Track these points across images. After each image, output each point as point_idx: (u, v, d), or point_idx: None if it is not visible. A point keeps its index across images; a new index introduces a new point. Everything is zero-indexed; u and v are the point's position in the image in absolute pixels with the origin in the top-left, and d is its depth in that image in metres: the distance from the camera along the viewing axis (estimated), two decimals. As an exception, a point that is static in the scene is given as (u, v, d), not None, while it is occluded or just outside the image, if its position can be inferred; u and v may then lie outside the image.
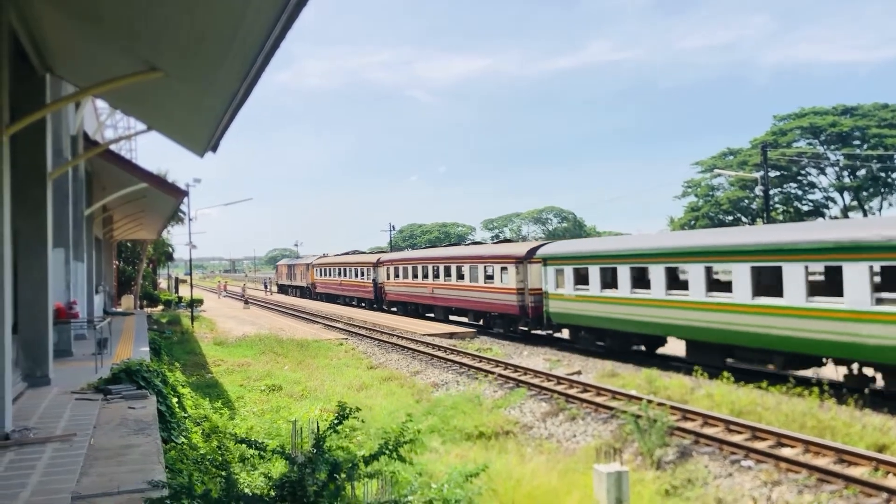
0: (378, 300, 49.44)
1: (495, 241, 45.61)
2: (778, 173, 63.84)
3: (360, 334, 34.83)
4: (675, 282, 22.49)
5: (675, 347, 24.14)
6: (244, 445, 6.21)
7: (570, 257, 26.97)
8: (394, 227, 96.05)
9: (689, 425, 14.87)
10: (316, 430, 8.53)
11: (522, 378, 20.89)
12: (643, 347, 25.30)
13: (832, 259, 17.00)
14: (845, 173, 64.45)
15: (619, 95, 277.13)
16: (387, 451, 5.58)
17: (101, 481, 6.52)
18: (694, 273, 20.85)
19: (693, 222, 68.69)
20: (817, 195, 66.69)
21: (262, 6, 5.55)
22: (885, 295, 16.00)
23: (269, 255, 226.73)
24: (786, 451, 13.05)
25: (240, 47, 6.74)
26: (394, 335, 32.96)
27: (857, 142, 62.93)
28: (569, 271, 26.70)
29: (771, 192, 58.00)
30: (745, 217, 66.80)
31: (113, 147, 21.91)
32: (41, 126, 11.69)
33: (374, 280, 49.82)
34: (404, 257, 45.07)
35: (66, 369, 13.30)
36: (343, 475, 5.16)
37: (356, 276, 53.83)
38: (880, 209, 63.22)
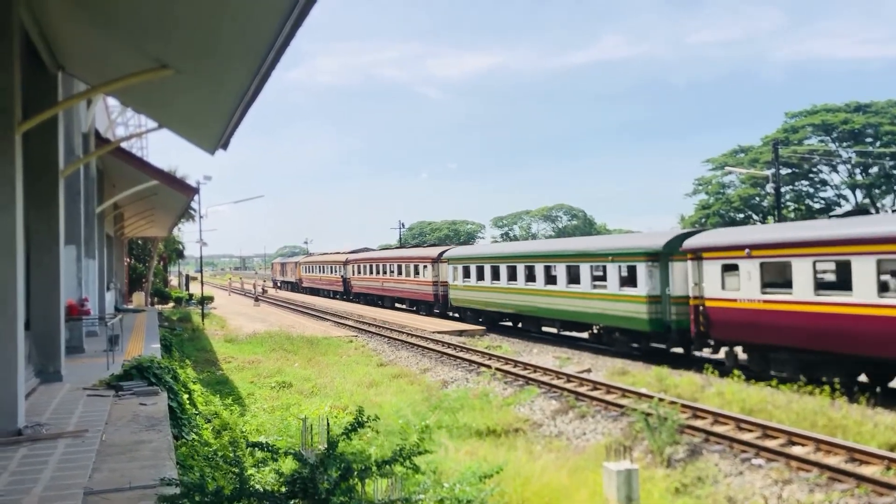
0: (346, 292, 58.29)
1: (426, 245, 56.63)
2: (789, 171, 63.54)
3: (370, 331, 34.90)
4: (512, 276, 31.41)
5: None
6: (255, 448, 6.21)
7: (462, 258, 36.83)
8: (403, 225, 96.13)
9: (699, 423, 14.83)
10: (326, 428, 8.54)
11: (532, 376, 20.89)
12: (510, 322, 33.62)
13: (590, 262, 26.15)
14: (857, 171, 64.09)
15: (630, 91, 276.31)
16: (400, 459, 5.57)
17: (113, 477, 6.55)
18: (520, 270, 30.67)
19: (704, 220, 68.43)
20: (829, 193, 66.40)
21: (273, 3, 5.56)
22: (597, 283, 25.59)
23: (279, 252, 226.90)
24: (797, 450, 12.99)
25: (250, 44, 6.75)
26: (403, 332, 33.02)
27: (869, 139, 62.59)
28: (460, 269, 36.17)
29: (782, 190, 57.76)
30: (757, 215, 66.52)
31: (124, 144, 22.03)
32: (53, 124, 11.74)
33: (342, 276, 59.16)
34: (365, 257, 54.24)
35: (77, 366, 13.37)
36: (355, 477, 5.17)
37: (330, 272, 63.71)
38: (893, 207, 62.81)
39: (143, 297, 40.21)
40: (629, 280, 23.99)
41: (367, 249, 61.34)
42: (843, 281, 17.36)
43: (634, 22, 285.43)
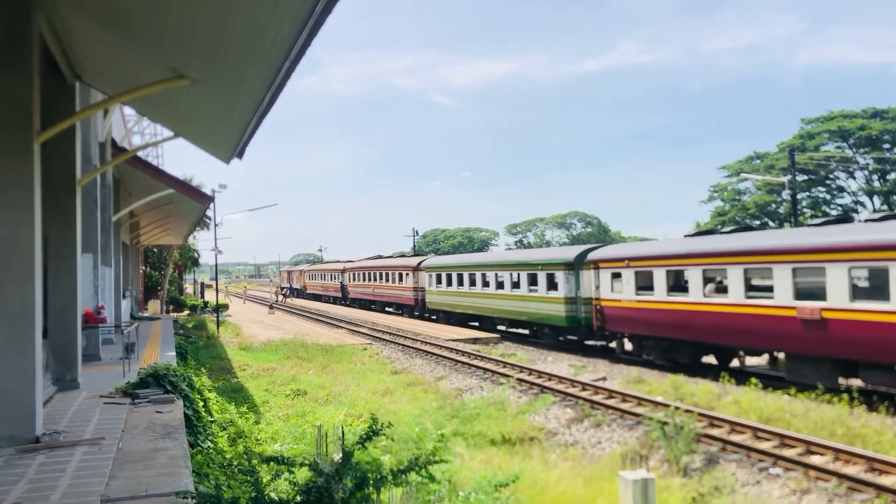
0: (345, 297, 64.22)
1: (410, 255, 60.77)
2: (806, 177, 63.10)
3: (384, 339, 34.91)
4: (473, 283, 36.87)
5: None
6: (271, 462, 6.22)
7: (435, 267, 42.12)
8: (417, 232, 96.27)
9: (716, 432, 14.72)
10: (341, 436, 8.54)
11: (547, 384, 20.82)
12: (478, 323, 37.86)
13: (526, 270, 31.45)
14: (875, 177, 63.54)
15: (645, 98, 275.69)
16: (416, 468, 5.56)
17: (130, 485, 6.57)
18: (477, 277, 36.44)
19: (720, 226, 68.06)
20: (846, 199, 65.87)
21: (289, 13, 5.59)
22: (532, 288, 30.95)
23: (294, 260, 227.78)
24: (815, 459, 12.87)
25: (266, 53, 6.78)
26: (417, 340, 33.01)
27: (887, 145, 62.02)
28: (434, 276, 41.69)
29: (799, 197, 57.34)
30: (773, 221, 66.08)
31: (140, 153, 22.19)
32: (71, 133, 11.85)
33: (340, 283, 65.48)
34: (358, 266, 59.98)
35: (94, 373, 13.45)
36: (371, 486, 5.16)
37: (331, 279, 70.27)
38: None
39: (158, 304, 40.40)
40: (553, 285, 29.39)
41: (378, 257, 62.86)
42: (684, 286, 22.26)
43: (650, 29, 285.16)
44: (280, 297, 78.74)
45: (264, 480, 8.08)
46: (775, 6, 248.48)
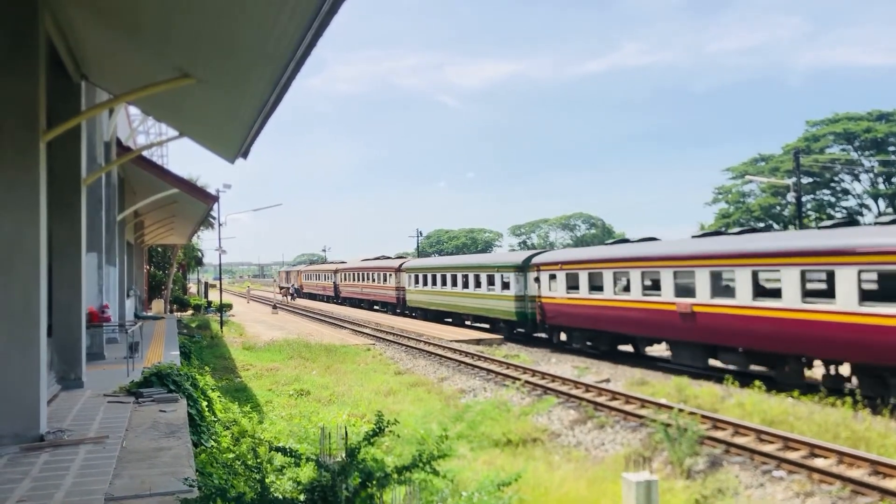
0: (337, 296, 68.60)
1: (393, 257, 62.59)
2: (811, 180, 63.00)
3: (388, 339, 34.92)
4: (444, 283, 40.94)
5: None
6: (278, 452, 6.22)
7: (414, 268, 46.39)
8: (421, 233, 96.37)
9: (719, 434, 14.69)
10: (345, 436, 8.54)
11: (550, 385, 20.80)
12: (451, 319, 41.15)
13: (486, 272, 35.80)
14: (880, 180, 63.39)
15: (650, 99, 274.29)
16: (420, 464, 5.56)
17: (134, 483, 6.59)
18: (448, 278, 40.25)
19: (725, 229, 67.96)
20: (851, 202, 65.71)
21: (294, 13, 5.60)
22: (490, 287, 35.14)
23: (297, 260, 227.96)
24: (819, 462, 12.84)
25: (272, 54, 6.80)
26: (421, 341, 33.01)
27: (892, 147, 61.87)
28: (412, 277, 45.90)
29: (804, 199, 57.27)
30: (778, 224, 65.97)
31: (145, 153, 22.23)
32: (76, 133, 11.88)
33: (333, 283, 69.87)
34: (349, 267, 65.34)
35: (98, 372, 13.48)
36: (375, 485, 5.16)
37: (325, 279, 74.67)
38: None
39: (162, 304, 40.50)
40: (506, 285, 33.52)
41: (382, 258, 63.53)
42: (601, 286, 26.29)
43: (654, 30, 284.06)
44: (287, 297, 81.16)
45: (268, 480, 8.08)
46: (779, 7, 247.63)
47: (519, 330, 33.52)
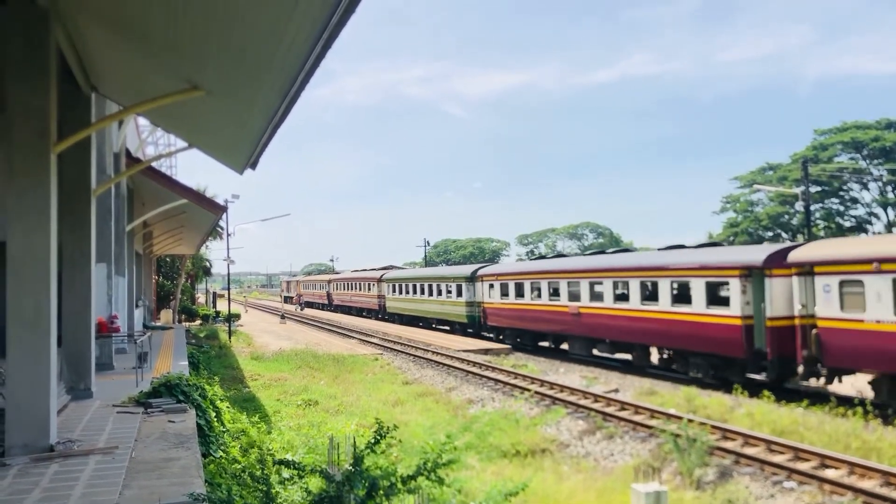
0: (330, 304, 75.32)
1: (378, 268, 66.29)
2: (819, 189, 62.79)
3: (396, 349, 34.91)
4: (415, 291, 47.06)
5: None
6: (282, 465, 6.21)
7: (391, 279, 52.68)
8: (428, 243, 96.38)
9: (729, 445, 14.62)
10: (353, 446, 8.54)
11: (559, 395, 20.73)
12: (421, 324, 46.65)
13: (444, 282, 42.57)
14: (889, 188, 63.13)
15: (658, 109, 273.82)
16: (425, 472, 5.55)
17: (143, 494, 6.59)
18: (417, 287, 46.43)
19: (732, 238, 67.77)
20: (860, 211, 65.46)
21: (304, 24, 5.63)
22: (448, 295, 41.46)
23: (305, 270, 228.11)
24: (830, 473, 12.75)
25: (281, 66, 6.83)
26: (429, 351, 32.98)
27: (901, 156, 61.63)
28: (390, 286, 52.36)
29: (812, 208, 57.06)
30: (786, 233, 65.75)
31: (154, 164, 22.33)
32: (86, 144, 11.94)
33: (327, 292, 77.26)
34: (339, 278, 72.69)
35: (107, 383, 13.51)
36: (381, 494, 5.15)
37: (320, 289, 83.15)
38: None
39: (170, 314, 40.55)
40: (459, 293, 39.94)
41: (389, 267, 65.06)
42: (523, 293, 32.81)
43: (662, 40, 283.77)
44: (297, 308, 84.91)
45: (275, 491, 8.08)
46: (788, 16, 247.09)
47: (469, 330, 39.44)
